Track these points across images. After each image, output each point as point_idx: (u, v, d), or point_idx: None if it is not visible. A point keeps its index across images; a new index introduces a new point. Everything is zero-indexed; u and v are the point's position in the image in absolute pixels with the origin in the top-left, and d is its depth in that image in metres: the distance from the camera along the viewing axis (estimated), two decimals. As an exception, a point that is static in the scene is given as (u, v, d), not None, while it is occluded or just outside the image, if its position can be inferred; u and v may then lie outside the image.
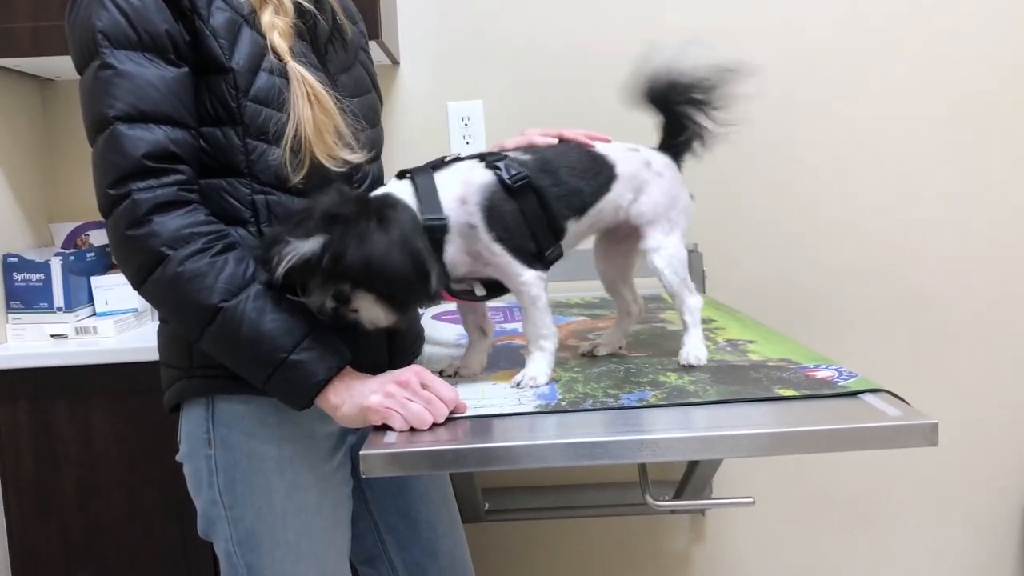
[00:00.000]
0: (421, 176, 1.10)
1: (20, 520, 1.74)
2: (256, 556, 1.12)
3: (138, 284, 1.03)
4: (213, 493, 1.12)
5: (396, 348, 1.20)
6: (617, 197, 1.17)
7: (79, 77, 1.05)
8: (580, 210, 1.15)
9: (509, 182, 1.09)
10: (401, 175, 1.12)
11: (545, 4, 2.09)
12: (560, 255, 1.15)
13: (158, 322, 1.18)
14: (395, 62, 2.08)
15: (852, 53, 2.08)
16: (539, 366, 1.12)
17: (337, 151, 1.08)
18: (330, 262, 0.98)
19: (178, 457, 1.16)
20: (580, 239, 1.20)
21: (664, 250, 1.17)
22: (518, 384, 1.11)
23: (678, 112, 1.21)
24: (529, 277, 1.10)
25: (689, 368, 1.17)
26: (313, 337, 1.02)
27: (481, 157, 1.13)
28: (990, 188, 2.11)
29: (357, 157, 1.11)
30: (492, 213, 1.08)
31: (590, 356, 1.28)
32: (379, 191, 1.09)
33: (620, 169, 1.17)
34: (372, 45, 1.75)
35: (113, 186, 1.00)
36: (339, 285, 1.00)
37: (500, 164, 1.11)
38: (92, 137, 1.02)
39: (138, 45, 1.01)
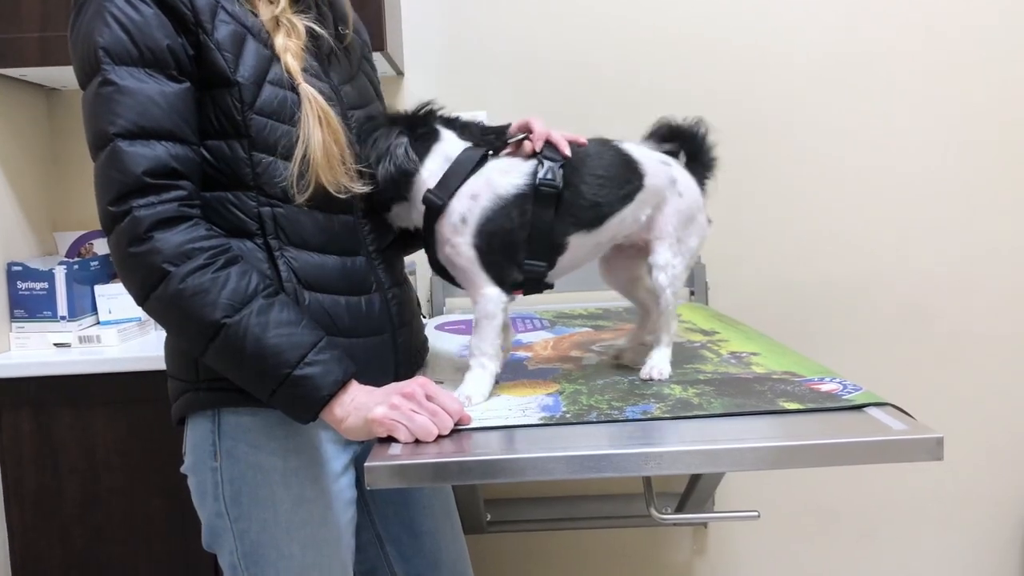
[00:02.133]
0: (465, 158, 1.10)
1: (22, 528, 1.74)
2: (261, 568, 1.12)
3: (141, 301, 1.02)
4: (218, 505, 1.12)
5: (401, 358, 1.20)
6: (636, 210, 1.15)
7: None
8: (592, 223, 1.12)
9: (536, 183, 1.08)
10: (463, 130, 1.13)
11: (549, 16, 2.10)
12: (549, 285, 1.12)
13: (165, 334, 1.17)
14: (400, 73, 2.09)
15: (856, 65, 2.09)
16: (478, 385, 1.10)
17: (341, 176, 1.08)
18: None
19: (183, 469, 1.16)
20: (587, 258, 1.17)
21: (671, 269, 1.17)
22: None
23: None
24: (490, 292, 1.08)
25: (695, 381, 1.17)
26: (318, 351, 1.02)
27: (535, 153, 1.11)
28: (994, 199, 2.12)
29: (359, 188, 1.10)
30: (487, 225, 1.07)
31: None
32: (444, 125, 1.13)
33: (648, 181, 1.15)
34: (377, 56, 1.76)
35: (114, 203, 1.00)
36: None
37: (546, 162, 1.09)
38: (94, 153, 1.02)
39: (139, 61, 1.01)
